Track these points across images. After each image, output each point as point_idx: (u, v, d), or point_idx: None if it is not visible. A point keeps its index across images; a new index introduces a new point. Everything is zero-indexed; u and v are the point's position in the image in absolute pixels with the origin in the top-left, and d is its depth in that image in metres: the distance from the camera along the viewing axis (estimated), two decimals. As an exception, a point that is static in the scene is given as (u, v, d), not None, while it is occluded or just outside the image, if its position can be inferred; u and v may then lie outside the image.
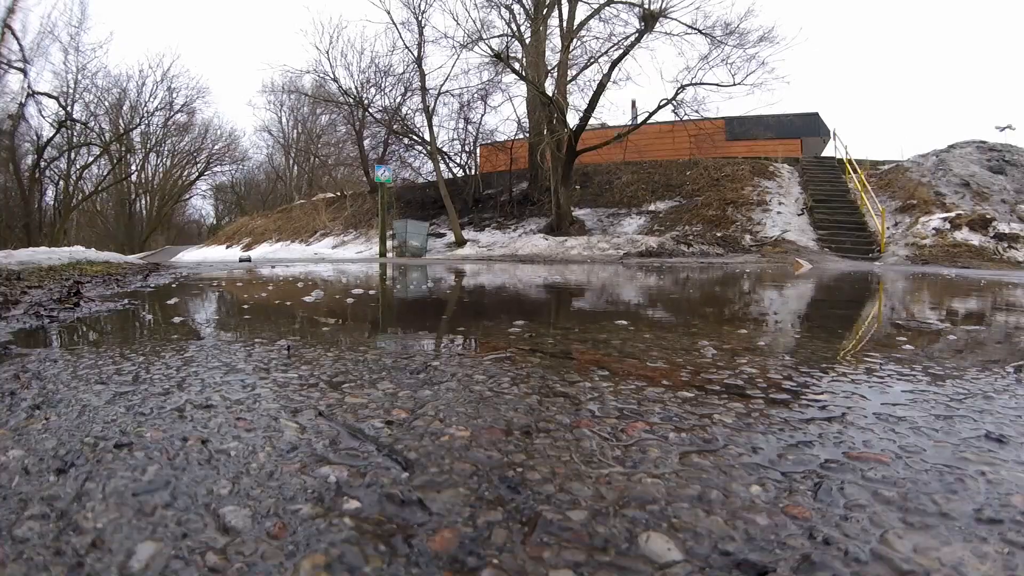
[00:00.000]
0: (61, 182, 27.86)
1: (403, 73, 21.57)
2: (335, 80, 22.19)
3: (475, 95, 20.64)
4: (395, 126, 21.87)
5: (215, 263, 12.70)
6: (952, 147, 16.34)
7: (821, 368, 1.76)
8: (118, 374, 1.57)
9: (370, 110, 22.41)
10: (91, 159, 29.68)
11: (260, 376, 1.57)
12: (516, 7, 17.82)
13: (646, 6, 14.97)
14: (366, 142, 25.01)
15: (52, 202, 27.84)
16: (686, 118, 16.13)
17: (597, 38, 17.54)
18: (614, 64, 15.93)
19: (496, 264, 10.89)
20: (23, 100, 22.32)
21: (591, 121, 16.72)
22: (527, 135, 19.75)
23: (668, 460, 0.98)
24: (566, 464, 0.96)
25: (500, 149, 21.46)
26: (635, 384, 1.51)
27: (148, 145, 35.30)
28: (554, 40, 18.14)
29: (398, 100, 22.25)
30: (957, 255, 11.24)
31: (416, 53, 19.78)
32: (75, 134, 26.88)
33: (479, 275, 7.34)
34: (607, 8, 16.63)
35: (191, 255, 26.70)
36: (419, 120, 21.34)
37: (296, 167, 40.35)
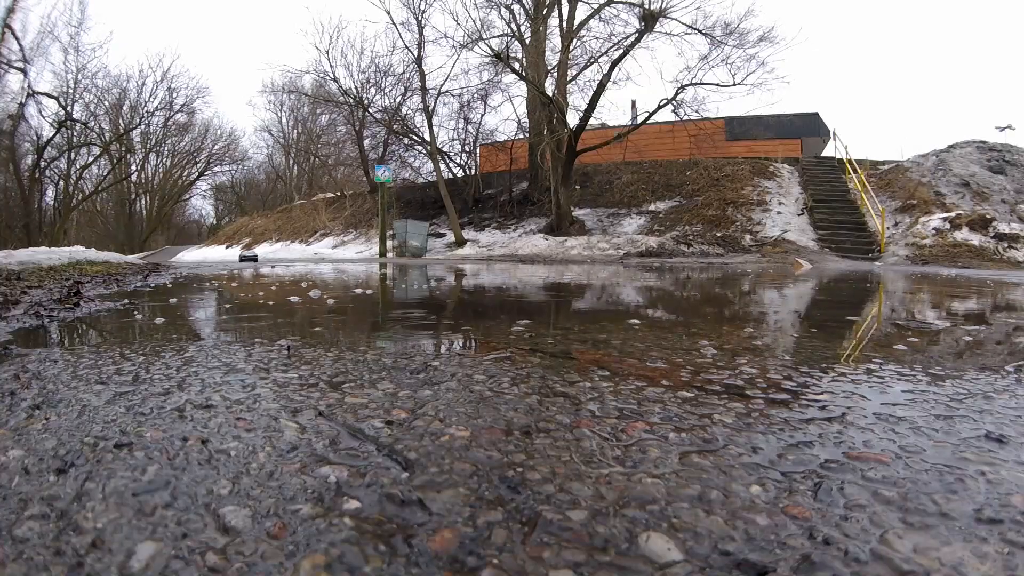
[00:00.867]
0: (61, 182, 27.90)
1: (403, 73, 21.61)
2: (335, 80, 22.23)
3: (475, 95, 20.68)
4: (395, 126, 21.89)
5: (215, 263, 12.70)
6: (952, 147, 16.35)
7: (821, 368, 1.76)
8: (118, 374, 1.57)
9: (370, 110, 22.44)
10: (91, 159, 29.72)
11: (260, 376, 1.57)
12: (516, 7, 17.85)
13: (646, 6, 14.98)
14: (366, 142, 25.05)
15: (52, 202, 27.87)
16: (686, 118, 16.14)
17: (597, 38, 17.57)
18: (614, 64, 15.94)
19: (496, 264, 10.90)
20: (23, 100, 22.33)
21: (591, 121, 16.73)
22: (527, 135, 19.77)
23: (668, 460, 0.98)
24: (566, 464, 0.96)
25: (500, 149, 21.48)
26: (635, 384, 1.51)
27: (148, 145, 35.35)
28: (554, 40, 18.18)
29: (398, 100, 22.30)
30: (957, 255, 11.24)
31: (416, 53, 19.81)
32: (75, 134, 26.91)
33: (479, 275, 7.35)
34: (607, 8, 16.65)
35: (191, 255, 26.72)
36: (419, 120, 21.39)
37: (296, 167, 40.39)
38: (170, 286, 5.10)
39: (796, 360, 1.93)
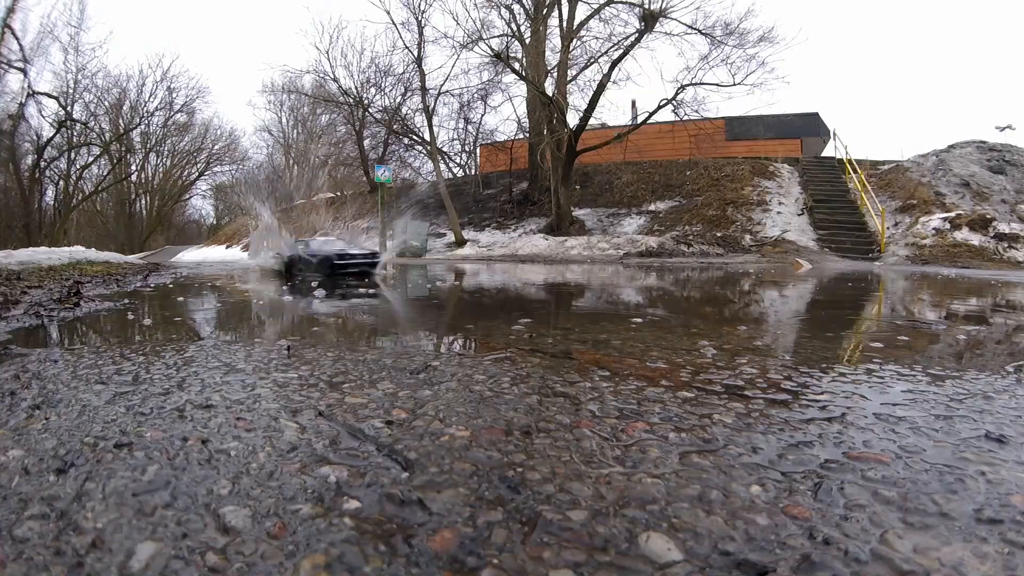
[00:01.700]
0: (61, 182, 27.87)
1: (403, 73, 21.57)
2: (335, 80, 22.20)
3: (475, 95, 20.65)
4: (395, 126, 21.87)
5: (216, 263, 12.69)
6: (952, 147, 16.33)
7: (821, 368, 1.76)
8: (118, 374, 1.57)
9: (370, 110, 22.41)
10: (91, 159, 29.68)
11: (260, 376, 1.57)
12: (516, 7, 17.82)
13: (646, 6, 14.96)
14: (366, 142, 25.01)
15: (52, 202, 27.84)
16: (686, 118, 16.12)
17: (597, 38, 17.54)
18: (614, 64, 15.92)
19: (496, 264, 10.89)
20: (23, 100, 22.30)
21: (591, 121, 16.71)
22: (527, 135, 19.75)
23: (668, 460, 0.98)
24: (566, 464, 0.96)
25: (500, 149, 21.47)
26: (635, 384, 1.51)
27: (148, 145, 35.28)
28: (554, 40, 18.14)
29: (398, 100, 22.26)
30: (957, 255, 11.22)
31: (416, 53, 19.78)
32: (75, 134, 26.87)
33: (479, 275, 7.34)
34: (607, 8, 16.62)
35: (191, 255, 26.70)
36: (419, 120, 21.35)
37: (296, 167, 40.34)
38: (170, 286, 5.09)
39: (796, 360, 1.93)
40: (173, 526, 0.73)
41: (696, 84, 15.76)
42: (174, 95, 31.11)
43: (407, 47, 20.24)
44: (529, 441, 1.08)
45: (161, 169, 39.50)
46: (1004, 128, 18.43)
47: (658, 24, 14.97)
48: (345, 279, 6.34)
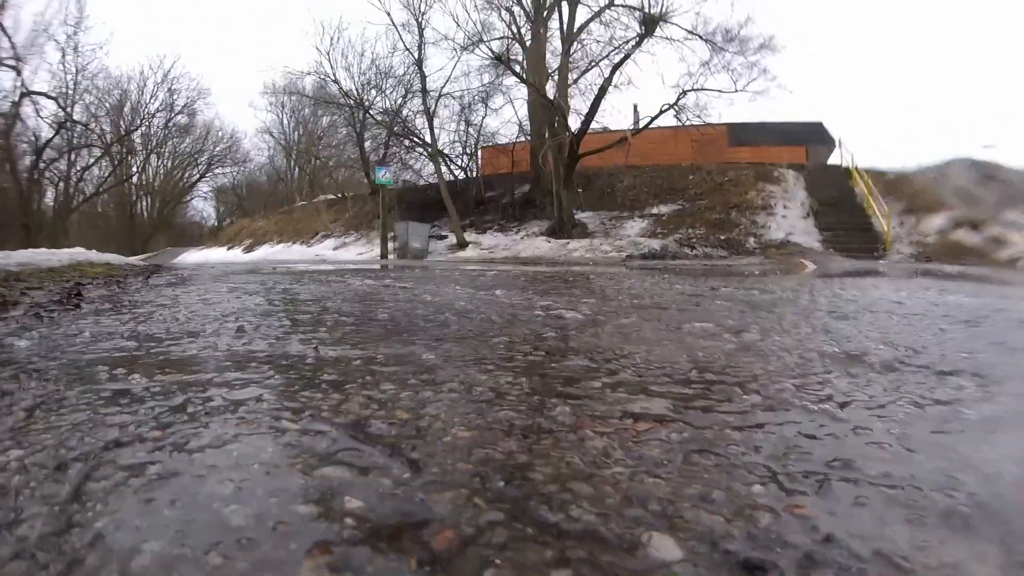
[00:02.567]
0: (61, 183, 27.91)
1: (404, 75, 21.62)
2: (336, 82, 22.22)
3: (476, 97, 20.67)
4: (396, 128, 21.90)
5: (217, 264, 12.71)
6: (948, 163, 16.76)
7: (822, 367, 1.76)
8: (118, 373, 1.57)
9: (371, 112, 22.44)
10: (92, 161, 29.73)
11: (260, 376, 1.57)
12: (516, 9, 17.85)
13: (646, 10, 14.99)
14: (367, 144, 25.05)
15: (52, 203, 27.87)
16: (688, 123, 16.13)
17: (598, 41, 17.55)
18: (615, 68, 15.94)
19: (499, 266, 10.90)
20: (16, 99, 22.27)
21: (593, 124, 16.73)
22: (529, 138, 19.77)
23: (669, 460, 0.98)
24: (568, 464, 0.96)
25: (502, 151, 21.48)
26: (636, 384, 1.51)
27: (149, 147, 35.39)
28: (555, 43, 18.17)
29: (399, 102, 22.29)
30: (958, 253, 11.62)
31: (417, 55, 19.83)
32: (75, 135, 26.92)
33: (482, 277, 7.34)
34: (607, 12, 16.65)
35: (193, 256, 26.73)
36: (420, 122, 21.39)
37: (297, 169, 40.42)
38: (171, 286, 5.10)
39: (796, 359, 1.93)
40: (174, 526, 0.73)
41: (698, 89, 15.77)
42: (175, 97, 31.18)
43: (408, 49, 20.29)
44: (531, 441, 1.08)
45: (162, 171, 39.60)
46: (988, 147, 19.07)
47: (658, 29, 14.98)
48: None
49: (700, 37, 15.29)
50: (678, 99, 15.75)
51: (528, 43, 17.57)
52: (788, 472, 0.93)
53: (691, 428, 1.15)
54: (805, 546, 0.70)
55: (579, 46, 17.53)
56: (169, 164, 39.31)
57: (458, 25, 27.18)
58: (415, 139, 21.87)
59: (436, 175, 20.40)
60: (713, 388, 1.49)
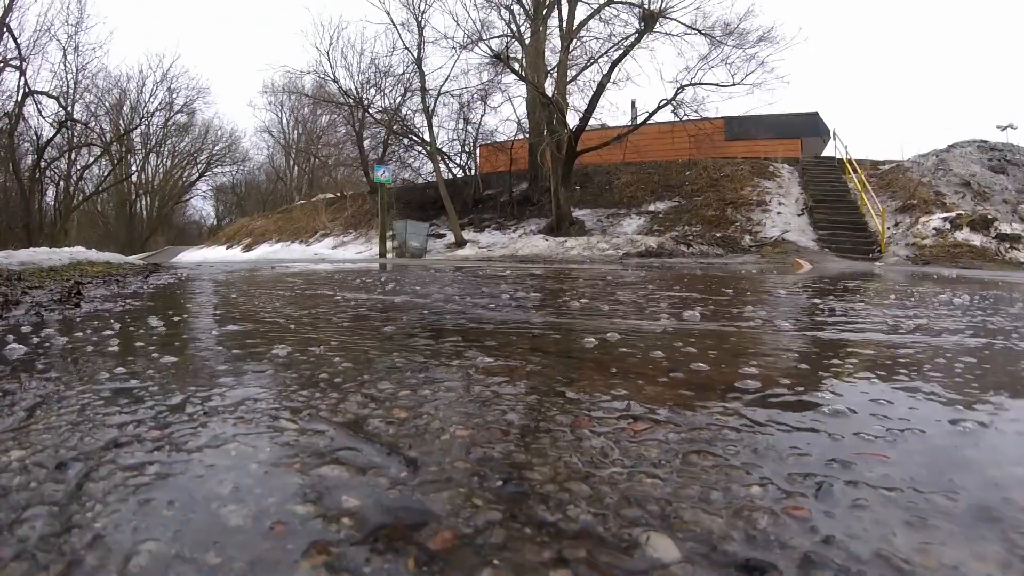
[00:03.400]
0: (62, 182, 27.84)
1: (403, 74, 21.58)
2: (335, 81, 22.21)
3: (475, 95, 20.64)
4: (395, 127, 21.86)
5: (216, 263, 12.70)
6: (952, 147, 16.36)
7: (822, 367, 1.76)
8: (118, 374, 1.57)
9: (370, 111, 22.41)
10: (92, 160, 29.64)
11: (259, 375, 1.57)
12: (516, 7, 17.84)
13: (646, 6, 14.98)
14: (366, 143, 25.01)
15: (52, 202, 27.81)
16: (686, 118, 16.14)
17: (597, 38, 17.55)
18: (614, 64, 15.94)
19: (497, 264, 10.90)
20: (20, 99, 22.26)
21: (591, 121, 16.72)
22: (527, 135, 19.76)
23: (668, 460, 0.98)
24: (566, 464, 0.96)
25: (500, 149, 21.46)
26: (636, 383, 1.51)
27: (148, 146, 35.30)
28: (554, 40, 18.15)
29: (398, 101, 22.26)
30: (958, 255, 11.24)
31: (416, 54, 19.80)
32: (75, 134, 26.84)
33: (479, 272, 7.35)
34: (607, 8, 16.64)
35: (192, 256, 26.70)
36: (419, 120, 21.36)
37: (296, 168, 40.36)
38: (171, 286, 5.10)
39: (796, 359, 1.93)
40: (173, 526, 0.73)
41: (696, 84, 15.79)
42: (174, 95, 31.06)
43: (407, 48, 20.26)
44: (529, 440, 1.08)
45: (161, 170, 39.53)
46: (1006, 127, 18.46)
47: (658, 24, 14.99)
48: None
49: (699, 31, 15.29)
50: (676, 94, 15.75)
51: (527, 41, 17.54)
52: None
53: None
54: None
55: (578, 43, 17.53)
56: (168, 163, 39.26)
57: (457, 24, 27.15)
58: (414, 138, 21.85)
59: (435, 173, 20.39)
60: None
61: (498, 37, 17.65)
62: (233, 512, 0.77)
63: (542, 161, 18.18)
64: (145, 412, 1.22)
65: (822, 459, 0.99)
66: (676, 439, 1.09)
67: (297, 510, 0.78)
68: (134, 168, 35.84)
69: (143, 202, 40.54)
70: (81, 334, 2.27)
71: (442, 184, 19.59)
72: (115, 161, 30.90)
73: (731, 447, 1.04)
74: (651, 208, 18.23)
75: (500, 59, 16.30)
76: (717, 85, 15.66)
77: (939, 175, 15.11)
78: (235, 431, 1.11)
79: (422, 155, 22.66)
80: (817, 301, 4.02)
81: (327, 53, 29.63)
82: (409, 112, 22.03)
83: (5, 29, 20.94)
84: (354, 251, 20.05)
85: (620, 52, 15.97)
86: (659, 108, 16.05)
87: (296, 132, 38.63)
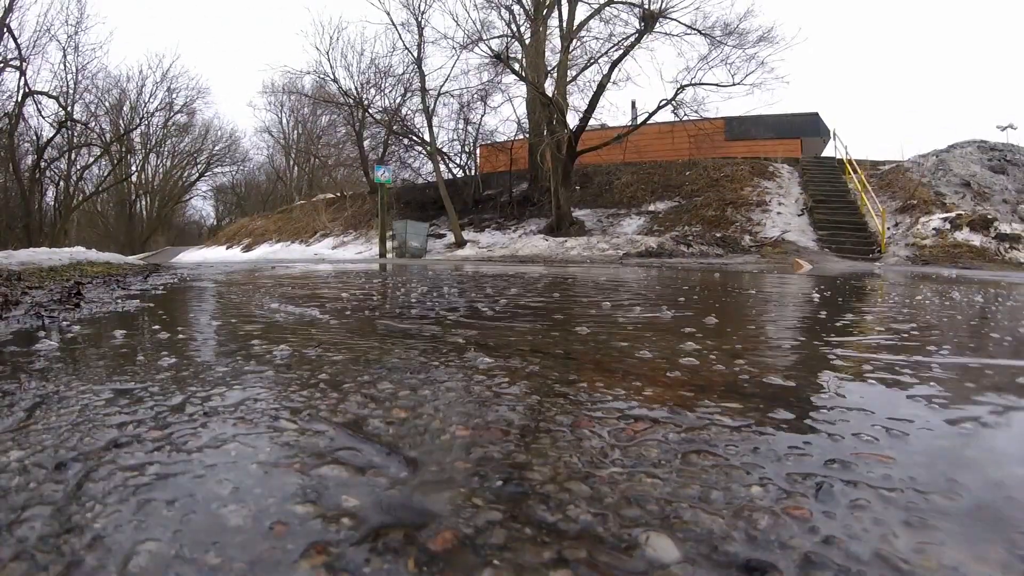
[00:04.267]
0: (61, 182, 27.85)
1: (403, 74, 21.62)
2: (335, 81, 22.24)
3: (475, 96, 20.67)
4: (395, 127, 21.88)
5: (216, 263, 12.70)
6: (952, 147, 16.35)
7: (821, 367, 1.76)
8: (118, 375, 1.57)
9: (370, 111, 22.43)
10: (91, 160, 29.66)
11: (259, 375, 1.57)
12: (516, 8, 17.85)
13: (646, 6, 15.00)
14: (366, 143, 25.03)
15: (52, 202, 27.82)
16: (686, 118, 16.15)
17: (597, 38, 17.57)
18: (614, 64, 15.95)
19: (497, 265, 10.90)
20: (20, 99, 22.29)
21: (591, 122, 16.73)
22: (527, 135, 19.78)
23: (668, 460, 0.98)
24: (566, 464, 0.96)
25: (500, 150, 21.47)
26: (636, 384, 1.51)
27: (148, 146, 35.32)
28: (554, 41, 18.18)
29: (398, 101, 22.29)
30: (958, 256, 11.25)
31: (416, 54, 19.82)
32: (75, 134, 26.86)
33: (480, 271, 7.35)
34: (607, 8, 16.65)
35: (191, 256, 26.72)
36: (419, 121, 21.39)
37: (296, 168, 40.38)
38: (171, 286, 5.10)
39: (797, 359, 1.93)
40: (172, 526, 0.73)
41: (696, 84, 15.81)
42: (174, 96, 31.10)
43: (407, 48, 20.29)
44: (529, 441, 1.08)
45: (161, 170, 39.56)
46: (1006, 128, 18.46)
47: (658, 24, 14.99)
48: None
49: (699, 32, 15.31)
50: (676, 94, 15.77)
51: (527, 41, 17.55)
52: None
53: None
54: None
55: (578, 43, 17.54)
56: (168, 163, 39.29)
57: (458, 24, 27.17)
58: (414, 138, 21.86)
59: (435, 174, 20.39)
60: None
61: (498, 37, 17.68)
62: (233, 512, 0.77)
63: (542, 161, 18.19)
64: (145, 412, 1.22)
65: (821, 459, 0.99)
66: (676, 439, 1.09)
67: (297, 510, 0.78)
68: (134, 168, 35.87)
69: (143, 202, 40.57)
70: (81, 334, 2.27)
71: (442, 184, 19.60)
72: (115, 161, 30.91)
73: (731, 447, 1.04)
74: (651, 208, 18.23)
75: (500, 59, 16.31)
76: (717, 85, 15.69)
77: (939, 175, 15.10)
78: (235, 431, 1.11)
79: (422, 155, 22.69)
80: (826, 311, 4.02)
81: (327, 53, 29.66)
82: (409, 112, 22.07)
83: (5, 29, 20.96)
84: (354, 251, 20.05)
85: (620, 52, 15.99)
86: (659, 108, 16.07)
87: (296, 132, 38.65)
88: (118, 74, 37.95)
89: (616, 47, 16.47)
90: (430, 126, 19.89)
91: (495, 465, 0.95)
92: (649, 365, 1.75)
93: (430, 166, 21.37)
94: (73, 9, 31.53)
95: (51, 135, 24.60)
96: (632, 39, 15.59)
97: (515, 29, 17.84)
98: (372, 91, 22.58)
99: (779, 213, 15.93)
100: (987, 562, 0.67)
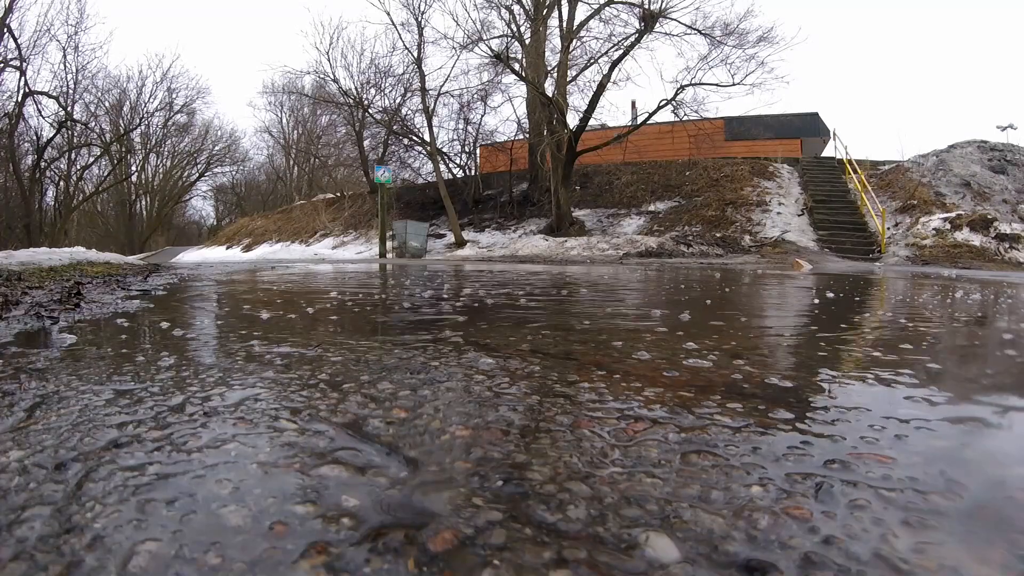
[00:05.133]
0: (61, 182, 27.84)
1: (403, 74, 21.61)
2: (335, 81, 22.23)
3: (475, 96, 20.67)
4: (395, 127, 21.87)
5: (216, 263, 12.70)
6: (952, 147, 16.34)
7: (821, 368, 1.76)
8: (118, 374, 1.57)
9: (370, 111, 22.42)
10: (91, 160, 29.64)
11: (259, 376, 1.57)
12: (516, 8, 17.84)
13: (646, 6, 14.99)
14: (366, 143, 25.03)
15: (52, 202, 27.81)
16: (686, 118, 16.15)
17: (597, 38, 17.57)
18: (614, 64, 15.94)
19: (497, 265, 10.90)
20: (20, 99, 22.28)
21: (591, 122, 16.73)
22: (527, 136, 19.77)
23: (668, 460, 0.98)
24: (566, 464, 0.96)
25: (500, 150, 21.47)
26: (635, 384, 1.51)
27: (148, 146, 35.31)
28: (554, 41, 18.17)
29: (398, 101, 22.28)
30: (958, 256, 11.25)
31: (416, 54, 19.81)
32: (75, 135, 26.86)
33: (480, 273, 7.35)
34: (607, 8, 16.65)
35: (191, 256, 26.72)
36: (419, 121, 21.38)
37: (296, 168, 40.38)
38: (171, 286, 5.10)
39: (796, 360, 1.93)
40: (173, 526, 0.73)
41: (696, 84, 15.80)
42: (174, 96, 31.10)
43: (407, 48, 20.28)
44: (529, 441, 1.08)
45: (161, 170, 39.55)
46: (1006, 128, 18.46)
47: (658, 24, 14.99)
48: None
49: (699, 32, 15.31)
50: (676, 94, 15.76)
51: (527, 41, 17.55)
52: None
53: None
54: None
55: (578, 43, 17.53)
56: (168, 163, 39.27)
57: (457, 24, 27.19)
58: (414, 138, 21.85)
59: (435, 174, 20.39)
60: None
61: (498, 37, 17.66)
62: (233, 512, 0.77)
63: (542, 161, 18.19)
64: (145, 412, 1.22)
65: (821, 459, 0.99)
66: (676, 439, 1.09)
67: (297, 510, 0.78)
68: (134, 168, 35.85)
69: (143, 202, 40.55)
70: (80, 335, 2.27)
71: (442, 184, 19.60)
72: (115, 161, 30.90)
73: (732, 447, 1.04)
74: (651, 208, 18.23)
75: (500, 59, 16.30)
76: (717, 85, 15.68)
77: (939, 175, 15.10)
78: (235, 431, 1.11)
79: (422, 155, 22.69)
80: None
81: (327, 53, 29.70)
82: (409, 112, 22.06)
83: (5, 29, 20.96)
84: (354, 251, 20.05)
85: (620, 52, 15.98)
86: (659, 108, 16.07)
87: (296, 132, 38.65)
88: (118, 74, 38.04)
89: (616, 47, 16.48)
90: (430, 126, 19.89)
91: (495, 465, 0.95)
92: (649, 365, 1.75)
93: (430, 166, 21.38)
94: (73, 9, 31.60)
95: (51, 135, 24.59)
96: (632, 39, 15.59)
97: (515, 29, 17.83)
98: (372, 91, 22.60)
99: (779, 213, 15.92)
100: (987, 562, 0.67)
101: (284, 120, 38.79)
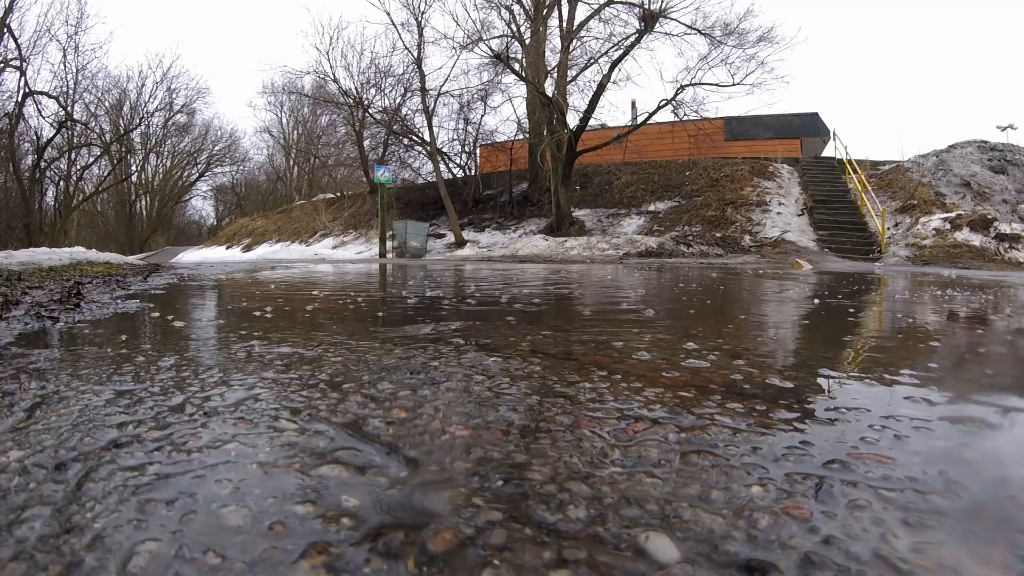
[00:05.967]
0: (61, 182, 27.85)
1: (403, 74, 21.60)
2: (335, 81, 22.23)
3: (475, 96, 20.67)
4: (395, 127, 21.87)
5: (215, 263, 12.70)
6: (952, 147, 16.34)
7: (821, 368, 1.76)
8: (118, 374, 1.57)
9: (370, 111, 22.41)
10: (91, 160, 29.64)
11: (259, 376, 1.57)
12: (516, 8, 17.84)
13: (646, 6, 14.98)
14: (366, 143, 25.02)
15: (52, 202, 27.80)
16: (685, 118, 16.14)
17: (597, 38, 17.56)
18: (614, 64, 15.94)
19: (496, 265, 10.90)
20: (20, 99, 22.29)
21: (591, 122, 16.73)
22: (527, 135, 19.77)
23: (668, 460, 0.98)
24: (566, 464, 0.96)
25: (500, 150, 21.47)
26: (635, 384, 1.51)
27: (148, 146, 35.30)
28: (554, 41, 18.17)
29: (398, 101, 22.28)
30: (958, 256, 11.25)
31: (416, 54, 19.80)
32: (75, 135, 26.86)
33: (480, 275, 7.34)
34: (607, 8, 16.64)
35: (191, 256, 26.71)
36: (419, 121, 21.37)
37: (296, 168, 40.37)
38: (171, 286, 5.10)
39: (796, 360, 1.93)
40: (172, 526, 0.73)
41: (695, 84, 15.80)
42: (174, 96, 31.11)
43: (407, 48, 20.27)
44: (529, 441, 1.08)
45: (161, 170, 39.55)
46: (1006, 128, 18.46)
47: (658, 24, 14.98)
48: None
49: (699, 31, 15.30)
50: (676, 94, 15.76)
51: (527, 41, 17.54)
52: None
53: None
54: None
55: (578, 43, 17.53)
56: (168, 163, 39.26)
57: (457, 24, 27.19)
58: (414, 138, 21.84)
59: (435, 173, 20.38)
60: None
61: (498, 37, 17.66)
62: (233, 512, 0.77)
63: (542, 161, 18.18)
64: (145, 412, 1.22)
65: (821, 459, 0.99)
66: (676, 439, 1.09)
67: (297, 510, 0.78)
68: (134, 168, 35.84)
69: (143, 202, 40.54)
70: (81, 334, 2.27)
71: (442, 184, 19.59)
72: (115, 161, 30.90)
73: (731, 447, 1.04)
74: (651, 208, 18.23)
75: (500, 59, 16.29)
76: (717, 85, 15.67)
77: (939, 175, 15.10)
78: (235, 431, 1.11)
79: (422, 155, 22.69)
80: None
81: (327, 53, 29.70)
82: (409, 112, 22.05)
83: (5, 29, 20.96)
84: (354, 251, 20.04)
85: (620, 52, 15.98)
86: (659, 108, 16.06)
87: (296, 132, 38.65)
88: (118, 74, 38.07)
89: (616, 47, 16.47)
90: (430, 126, 19.89)
91: (495, 465, 0.95)
92: (649, 365, 1.75)
93: (430, 166, 21.37)
94: (73, 9, 31.64)
95: (51, 135, 24.59)
96: (632, 39, 15.58)
97: (515, 29, 17.83)
98: (372, 91, 22.59)
99: (779, 213, 15.92)
100: (987, 562, 0.67)
101: (284, 120, 38.81)
